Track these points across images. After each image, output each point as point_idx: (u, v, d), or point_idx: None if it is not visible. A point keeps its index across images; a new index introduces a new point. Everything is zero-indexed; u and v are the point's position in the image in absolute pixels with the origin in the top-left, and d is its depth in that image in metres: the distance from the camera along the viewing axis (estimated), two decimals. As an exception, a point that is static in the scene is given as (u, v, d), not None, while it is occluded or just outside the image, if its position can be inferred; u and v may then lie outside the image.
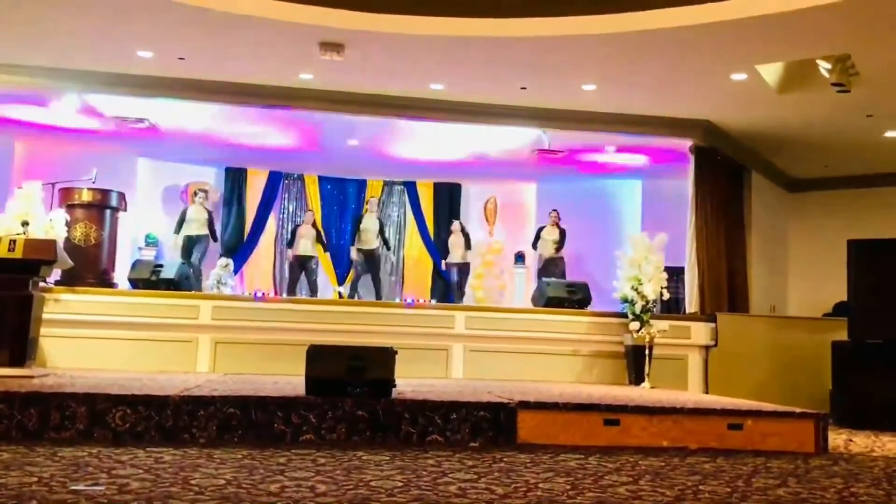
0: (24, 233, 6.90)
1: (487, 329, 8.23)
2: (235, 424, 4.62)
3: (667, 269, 8.32)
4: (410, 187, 13.06)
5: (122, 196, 9.14)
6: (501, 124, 9.40)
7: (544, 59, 7.63)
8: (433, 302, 11.26)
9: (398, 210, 13.16)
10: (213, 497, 3.06)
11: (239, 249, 12.25)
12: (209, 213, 10.94)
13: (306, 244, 11.31)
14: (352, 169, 12.40)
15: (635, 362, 7.95)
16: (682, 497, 3.42)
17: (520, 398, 5.17)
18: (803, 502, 3.42)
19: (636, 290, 8.08)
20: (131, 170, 11.49)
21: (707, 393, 8.12)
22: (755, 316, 9.50)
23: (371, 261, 11.63)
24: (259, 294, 9.17)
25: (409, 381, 6.04)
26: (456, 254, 11.74)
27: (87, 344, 7.44)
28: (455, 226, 11.97)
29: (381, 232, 11.64)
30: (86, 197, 8.80)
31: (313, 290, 11.38)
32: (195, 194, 11.05)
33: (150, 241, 11.52)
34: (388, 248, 12.38)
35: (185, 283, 8.54)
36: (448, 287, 12.02)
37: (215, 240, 11.19)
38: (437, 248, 12.75)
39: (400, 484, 3.47)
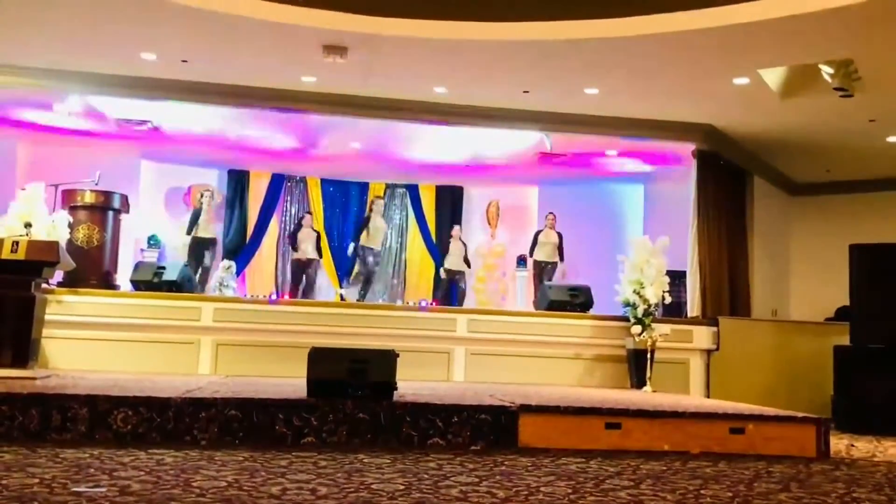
0: (27, 234, 6.91)
1: (489, 332, 8.22)
2: (237, 426, 4.62)
3: (669, 272, 8.31)
4: (412, 190, 13.08)
5: (124, 198, 9.14)
6: (504, 128, 9.41)
7: (547, 62, 7.64)
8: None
9: (400, 213, 13.17)
10: (214, 499, 3.07)
11: (241, 251, 12.26)
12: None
13: (307, 248, 11.32)
14: (354, 172, 12.41)
15: (637, 366, 7.94)
16: (684, 501, 3.42)
17: (521, 401, 5.17)
18: (805, 507, 3.41)
19: (638, 293, 8.07)
20: (134, 172, 11.50)
21: (709, 397, 8.10)
22: (757, 320, 9.49)
23: (378, 260, 11.59)
24: (273, 296, 9.18)
25: (411, 383, 6.03)
26: (453, 261, 11.63)
27: (89, 345, 7.45)
28: (455, 231, 11.88)
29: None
30: (88, 199, 8.79)
31: (308, 292, 11.25)
32: (201, 196, 11.13)
33: (153, 243, 11.53)
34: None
35: (188, 284, 8.54)
36: (451, 290, 12.01)
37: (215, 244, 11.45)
38: (440, 251, 12.76)
39: (401, 487, 3.47)
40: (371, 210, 11.86)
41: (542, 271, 11.07)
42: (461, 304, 11.42)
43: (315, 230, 11.58)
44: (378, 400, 4.86)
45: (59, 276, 7.69)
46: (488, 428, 4.87)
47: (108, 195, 8.94)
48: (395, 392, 5.02)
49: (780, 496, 3.64)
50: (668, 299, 8.26)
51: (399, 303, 11.94)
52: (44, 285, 6.69)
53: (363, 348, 5.48)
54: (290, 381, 6.10)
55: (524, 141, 10.12)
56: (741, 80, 7.79)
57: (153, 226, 11.72)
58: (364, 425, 4.75)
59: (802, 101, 8.27)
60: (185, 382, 5.92)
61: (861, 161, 10.31)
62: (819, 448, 5.13)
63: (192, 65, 8.05)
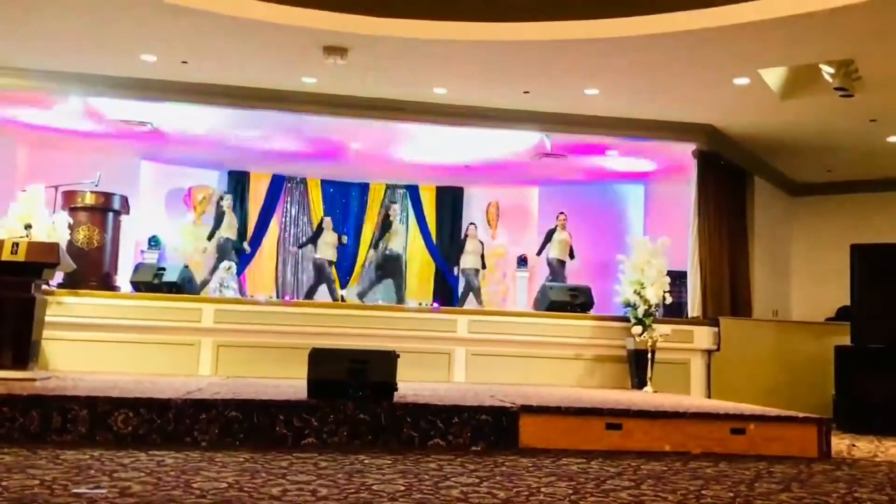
0: (27, 235, 6.90)
1: (490, 333, 8.22)
2: (237, 428, 4.62)
3: (669, 273, 8.31)
4: (413, 191, 13.08)
5: (124, 199, 9.15)
6: (504, 128, 9.40)
7: (547, 63, 7.64)
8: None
9: (400, 214, 13.15)
10: (214, 500, 3.06)
11: (241, 252, 12.26)
12: (237, 219, 11.44)
13: (327, 249, 11.44)
14: (354, 172, 12.41)
15: (637, 366, 7.94)
16: (685, 502, 3.42)
17: (522, 402, 5.16)
18: (806, 507, 3.41)
19: (639, 294, 8.07)
20: (134, 173, 11.50)
21: (709, 397, 8.10)
22: (758, 320, 9.48)
23: (394, 265, 11.64)
24: (287, 297, 9.20)
25: (412, 384, 6.03)
26: (470, 259, 11.54)
27: (89, 347, 7.45)
28: (471, 230, 11.73)
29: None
30: (89, 200, 8.81)
31: (333, 294, 11.45)
32: (221, 199, 11.38)
33: (154, 245, 11.53)
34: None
35: (188, 286, 8.54)
36: (455, 291, 12.01)
37: (241, 243, 11.64)
38: (441, 251, 12.75)
39: (402, 488, 3.47)
40: (389, 216, 11.89)
41: (561, 269, 11.00)
42: (481, 304, 11.46)
43: (335, 231, 11.68)
44: (378, 401, 4.85)
45: (59, 277, 7.69)
46: (489, 429, 4.86)
47: (108, 196, 8.94)
48: (395, 393, 5.01)
49: (780, 496, 3.63)
50: (669, 299, 8.26)
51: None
52: (44, 287, 6.69)
53: (363, 349, 5.48)
54: (291, 382, 6.10)
55: (524, 141, 10.11)
56: (741, 81, 7.79)
57: (153, 227, 11.72)
58: (364, 426, 4.74)
59: (803, 102, 8.27)
60: (186, 384, 5.92)
61: (861, 161, 10.31)
62: (820, 448, 5.13)
63: (192, 66, 8.05)
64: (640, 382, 7.87)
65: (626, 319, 8.16)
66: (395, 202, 12.50)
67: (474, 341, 8.17)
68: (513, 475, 3.91)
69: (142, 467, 3.72)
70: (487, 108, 8.93)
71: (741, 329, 8.76)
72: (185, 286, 8.41)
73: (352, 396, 4.84)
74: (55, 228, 7.42)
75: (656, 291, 8.06)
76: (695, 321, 8.84)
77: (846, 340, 7.87)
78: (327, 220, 11.78)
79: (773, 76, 7.90)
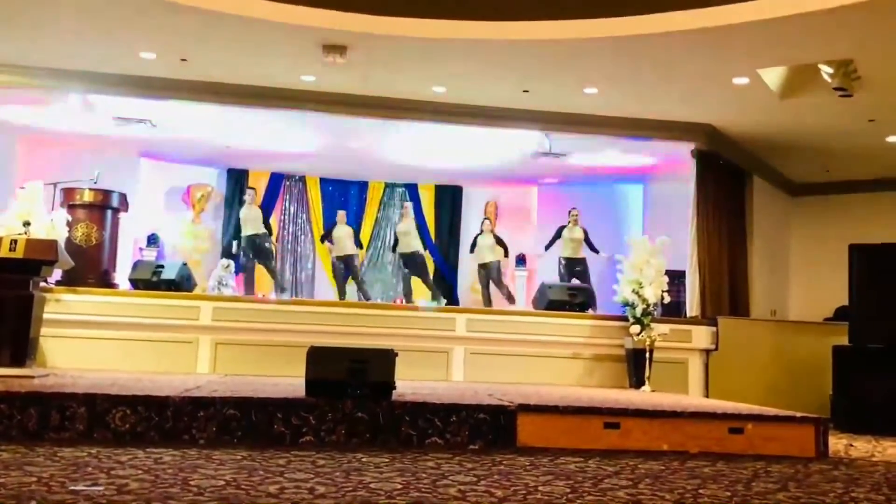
0: (26, 233, 6.90)
1: (488, 332, 8.22)
2: (235, 426, 4.62)
3: (668, 272, 8.30)
4: (412, 189, 13.07)
5: (123, 197, 9.14)
6: (503, 127, 9.39)
7: (546, 62, 7.63)
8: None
9: (399, 212, 13.15)
10: (212, 498, 3.06)
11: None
12: (261, 209, 11.41)
13: (347, 243, 11.42)
14: (353, 171, 12.41)
15: (636, 366, 7.94)
16: (682, 501, 3.42)
17: (520, 401, 5.17)
18: (803, 507, 3.41)
19: (637, 293, 8.06)
20: (133, 170, 11.49)
21: (707, 397, 8.10)
22: (756, 320, 9.49)
23: (415, 263, 11.63)
24: (261, 295, 9.20)
25: (410, 383, 6.03)
26: (484, 254, 11.39)
27: (87, 344, 7.44)
28: (486, 224, 11.60)
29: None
30: (87, 197, 8.79)
31: (361, 289, 11.46)
32: (243, 193, 11.47)
33: (152, 242, 11.53)
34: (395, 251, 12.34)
35: (186, 283, 8.54)
36: (454, 290, 12.01)
37: (271, 233, 11.55)
38: (440, 250, 12.74)
39: (399, 486, 3.47)
40: (403, 219, 11.90)
41: (571, 269, 10.69)
42: (504, 294, 11.38)
43: (348, 225, 11.67)
44: (377, 399, 4.85)
45: (57, 274, 7.68)
46: (487, 427, 4.87)
47: (106, 194, 8.94)
48: (393, 391, 5.01)
49: (778, 496, 3.64)
50: (668, 299, 8.26)
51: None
52: (42, 284, 6.70)
53: (362, 347, 5.48)
54: (289, 380, 6.10)
55: (524, 140, 10.11)
56: (741, 80, 7.79)
57: (152, 224, 11.71)
58: (363, 425, 4.75)
59: (802, 101, 8.26)
60: (184, 381, 5.92)
61: (860, 161, 10.31)
62: (818, 448, 5.14)
63: (192, 64, 8.04)
64: (638, 382, 7.86)
65: (625, 319, 8.16)
66: (407, 201, 12.52)
67: (473, 340, 8.17)
68: (510, 474, 3.92)
69: (139, 465, 3.72)
70: (486, 106, 8.92)
71: (739, 329, 8.77)
72: (183, 284, 8.41)
73: (350, 395, 4.84)
74: (54, 226, 7.40)
75: (655, 291, 8.06)
76: (693, 321, 8.84)
77: (844, 340, 7.88)
78: (341, 213, 11.83)
79: (773, 76, 7.90)
